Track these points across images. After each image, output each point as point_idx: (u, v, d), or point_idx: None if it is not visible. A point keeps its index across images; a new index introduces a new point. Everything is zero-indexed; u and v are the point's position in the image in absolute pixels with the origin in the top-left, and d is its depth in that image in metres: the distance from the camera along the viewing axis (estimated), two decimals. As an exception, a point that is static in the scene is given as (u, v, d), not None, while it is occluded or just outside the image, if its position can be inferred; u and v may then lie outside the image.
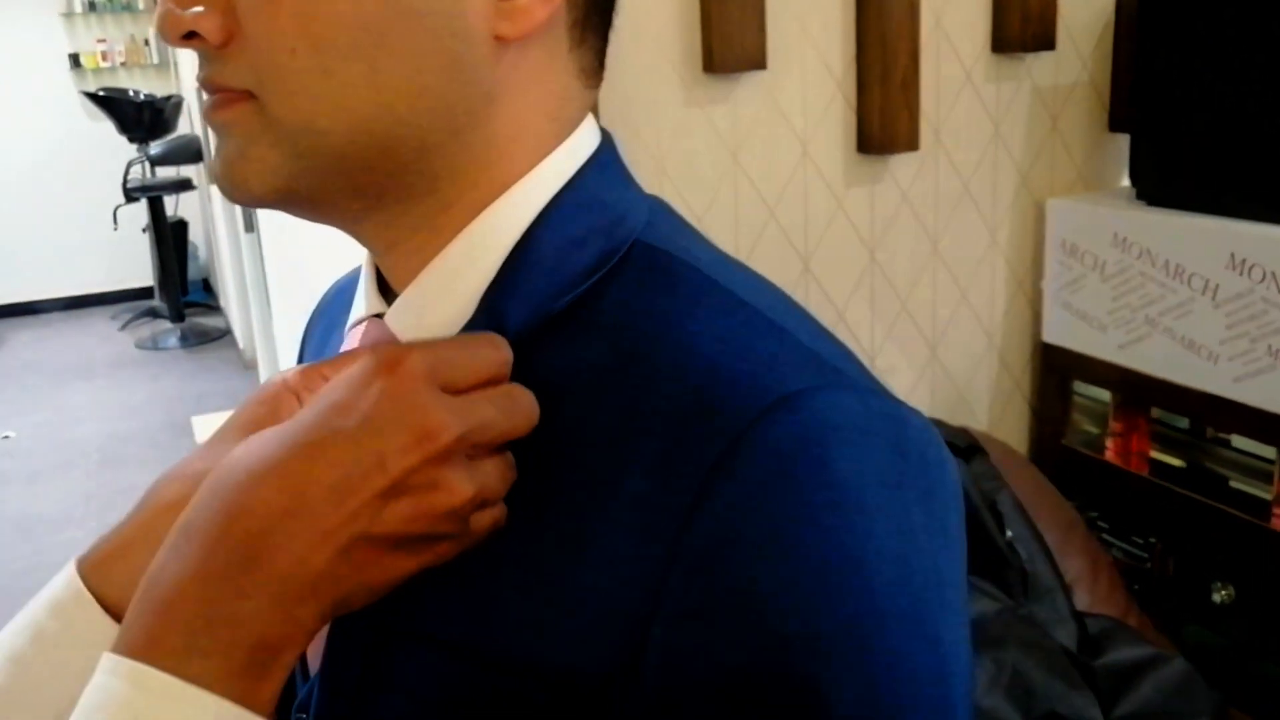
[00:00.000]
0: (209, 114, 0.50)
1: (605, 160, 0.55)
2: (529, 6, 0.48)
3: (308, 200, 0.50)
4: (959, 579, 0.47)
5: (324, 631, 0.53)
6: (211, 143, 0.51)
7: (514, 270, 0.51)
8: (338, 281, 0.72)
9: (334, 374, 0.51)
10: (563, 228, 0.51)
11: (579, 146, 0.54)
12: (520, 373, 0.49)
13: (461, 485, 0.44)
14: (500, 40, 0.49)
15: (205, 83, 0.49)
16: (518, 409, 0.47)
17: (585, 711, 0.45)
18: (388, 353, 0.45)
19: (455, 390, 0.46)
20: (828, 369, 0.47)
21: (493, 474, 0.46)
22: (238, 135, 0.49)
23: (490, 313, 0.51)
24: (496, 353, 0.48)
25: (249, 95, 0.48)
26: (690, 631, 0.43)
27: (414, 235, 0.52)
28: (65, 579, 0.51)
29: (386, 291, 0.56)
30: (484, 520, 0.46)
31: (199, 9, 0.47)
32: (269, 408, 0.52)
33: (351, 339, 0.57)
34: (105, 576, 0.50)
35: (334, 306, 0.69)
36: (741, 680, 0.42)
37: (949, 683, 0.44)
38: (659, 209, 0.56)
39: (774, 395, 0.44)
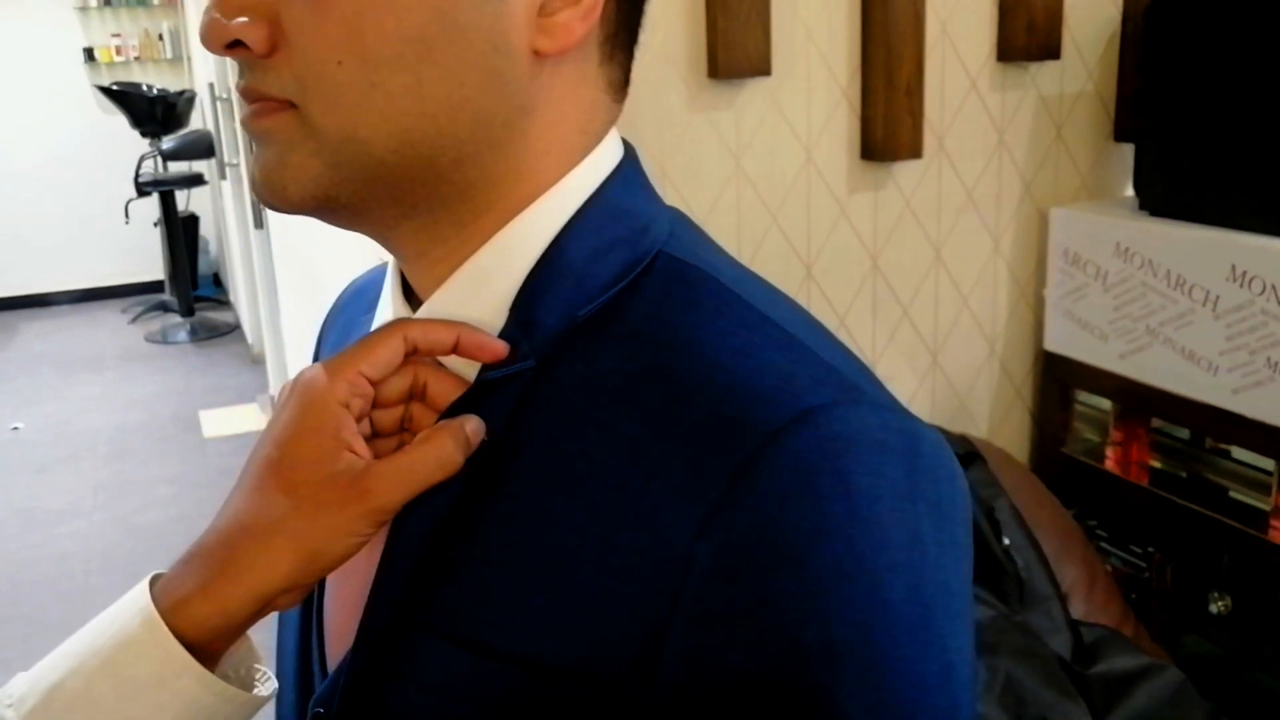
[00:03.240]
0: (248, 122, 0.51)
1: (629, 172, 0.56)
2: (568, 23, 0.50)
3: (346, 208, 0.51)
4: (966, 590, 0.48)
5: (348, 629, 0.54)
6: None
7: (542, 278, 0.52)
8: (355, 281, 0.73)
9: (371, 371, 0.52)
10: (590, 237, 0.53)
11: (604, 158, 0.55)
12: (547, 381, 0.51)
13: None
14: (538, 55, 0.50)
15: (246, 91, 0.50)
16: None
17: (602, 710, 0.47)
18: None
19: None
20: (846, 385, 0.48)
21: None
22: (278, 144, 0.50)
23: (521, 321, 0.52)
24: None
25: (290, 104, 0.49)
26: (706, 636, 0.44)
27: (443, 243, 0.53)
28: (140, 618, 0.49)
29: (411, 298, 0.57)
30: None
31: (244, 19, 0.48)
32: (330, 438, 0.50)
33: None
34: (186, 616, 0.49)
35: (352, 306, 0.70)
36: (755, 685, 0.44)
37: (955, 688, 0.46)
38: (679, 220, 0.58)
39: (794, 410, 0.45)
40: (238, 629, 0.50)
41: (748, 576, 0.44)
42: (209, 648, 0.50)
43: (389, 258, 0.59)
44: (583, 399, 0.50)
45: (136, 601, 0.50)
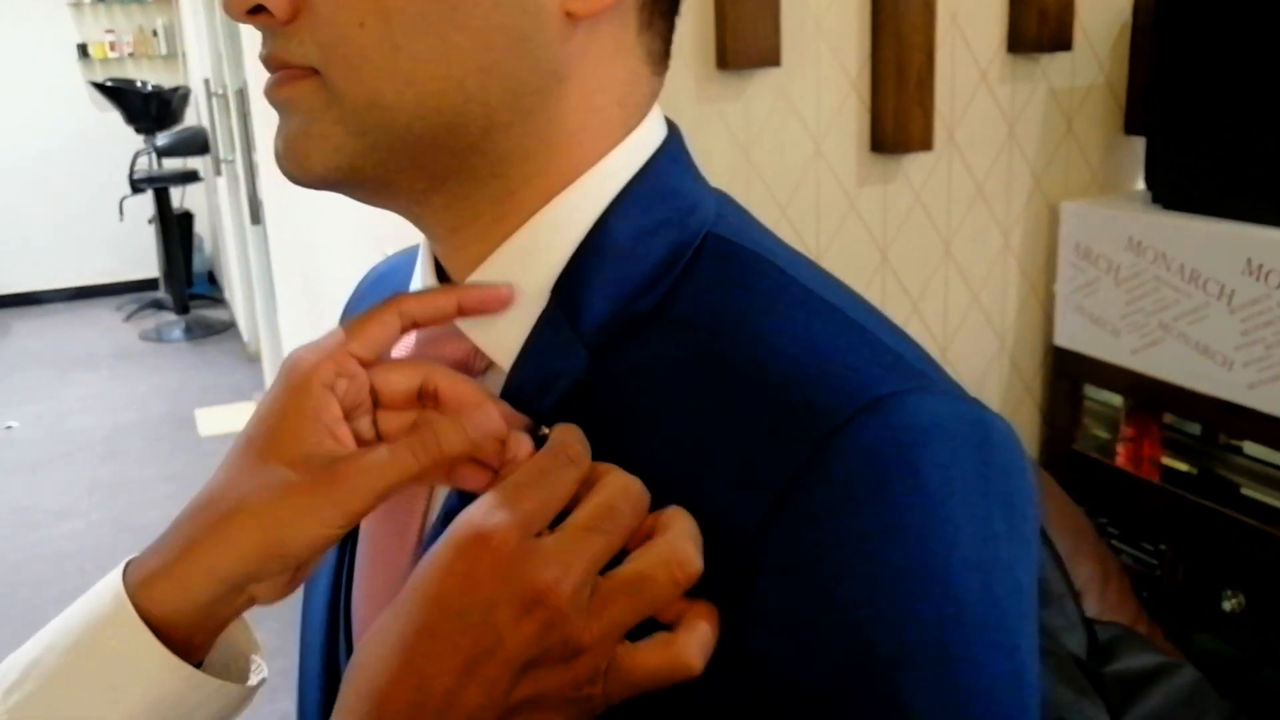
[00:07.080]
0: (271, 92, 0.49)
1: (674, 150, 0.54)
2: None
3: (371, 179, 0.49)
4: (1034, 586, 0.46)
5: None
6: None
7: (587, 260, 0.50)
8: (377, 267, 0.71)
9: (361, 349, 0.49)
10: (635, 218, 0.51)
11: (648, 136, 0.53)
12: (595, 372, 0.49)
13: (589, 636, 0.42)
14: (571, 18, 0.48)
15: (268, 60, 0.48)
16: (621, 512, 0.44)
17: (649, 709, 0.44)
18: (471, 530, 0.42)
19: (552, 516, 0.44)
20: (913, 372, 0.46)
21: (619, 595, 0.43)
22: (301, 112, 0.48)
23: (566, 305, 0.50)
24: (574, 468, 0.44)
25: (313, 72, 0.47)
26: (775, 637, 0.43)
27: (477, 220, 0.51)
28: (111, 595, 0.48)
29: (444, 281, 0.55)
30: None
31: None
32: (310, 420, 0.47)
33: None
34: (150, 595, 0.48)
35: (377, 290, 0.68)
36: (825, 686, 0.42)
37: (1024, 690, 0.44)
38: (726, 202, 0.56)
39: (863, 398, 0.43)
40: (203, 612, 0.48)
41: (813, 574, 0.42)
42: (182, 632, 0.48)
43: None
44: (633, 390, 0.47)
45: (110, 579, 0.49)
